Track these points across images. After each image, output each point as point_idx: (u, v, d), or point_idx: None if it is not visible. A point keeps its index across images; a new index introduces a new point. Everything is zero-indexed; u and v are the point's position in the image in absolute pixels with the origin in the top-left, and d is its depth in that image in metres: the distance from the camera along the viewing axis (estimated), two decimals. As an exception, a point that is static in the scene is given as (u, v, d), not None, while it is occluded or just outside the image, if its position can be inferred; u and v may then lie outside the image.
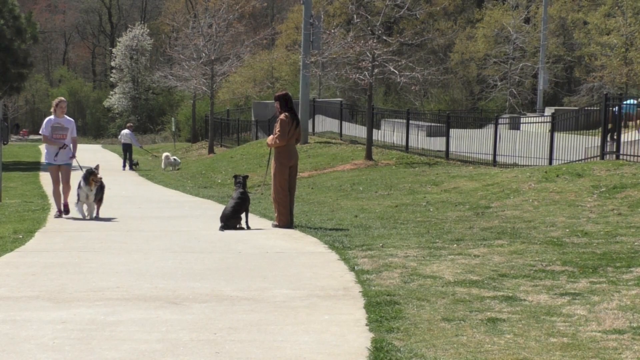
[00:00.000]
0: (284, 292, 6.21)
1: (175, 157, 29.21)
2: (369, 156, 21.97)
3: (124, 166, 28.41)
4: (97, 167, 11.87)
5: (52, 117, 12.28)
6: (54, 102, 12.40)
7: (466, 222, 10.68)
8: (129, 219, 11.84)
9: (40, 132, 12.04)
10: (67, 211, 12.18)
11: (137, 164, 29.03)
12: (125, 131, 28.98)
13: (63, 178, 12.32)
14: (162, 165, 28.49)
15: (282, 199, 10.55)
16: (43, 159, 11.68)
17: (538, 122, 21.22)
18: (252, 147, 28.25)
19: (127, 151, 28.46)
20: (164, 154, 29.34)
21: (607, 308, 5.46)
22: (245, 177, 11.14)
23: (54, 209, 13.38)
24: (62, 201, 12.17)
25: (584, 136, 17.92)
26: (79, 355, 4.47)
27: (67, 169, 12.36)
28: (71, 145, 12.45)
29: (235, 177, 11.20)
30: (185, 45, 36.59)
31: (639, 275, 6.60)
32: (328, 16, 44.11)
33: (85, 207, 11.78)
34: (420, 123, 25.70)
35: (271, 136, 10.78)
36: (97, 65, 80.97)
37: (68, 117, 12.38)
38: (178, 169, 27.93)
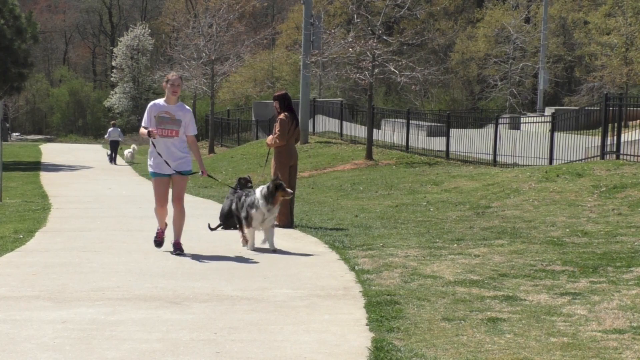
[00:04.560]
0: (284, 291, 6.21)
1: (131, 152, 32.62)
2: (369, 156, 21.97)
3: (112, 161, 31.56)
4: (279, 177, 8.63)
5: (159, 101, 8.26)
6: (167, 77, 8.26)
7: (466, 221, 10.68)
8: (129, 218, 11.84)
9: (143, 123, 8.25)
10: (178, 249, 8.19)
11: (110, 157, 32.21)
12: (111, 129, 32.17)
13: (173, 189, 8.25)
14: (130, 158, 31.85)
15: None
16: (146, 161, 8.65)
17: (538, 122, 21.23)
18: (253, 147, 28.26)
19: (115, 147, 31.57)
20: (132, 146, 33.20)
21: (607, 308, 5.46)
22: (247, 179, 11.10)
23: (56, 209, 13.37)
24: (174, 238, 8.25)
25: (584, 136, 17.93)
26: (79, 354, 4.47)
27: (182, 178, 8.21)
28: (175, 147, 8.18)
29: (246, 180, 11.02)
30: (185, 45, 36.59)
31: (639, 274, 6.60)
32: (328, 16, 44.12)
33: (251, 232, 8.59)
34: (421, 123, 25.72)
35: (271, 136, 10.78)
36: (97, 65, 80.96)
37: (184, 105, 8.38)
38: (130, 163, 31.42)
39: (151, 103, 8.25)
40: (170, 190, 8.29)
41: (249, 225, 8.40)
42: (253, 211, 8.35)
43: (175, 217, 8.19)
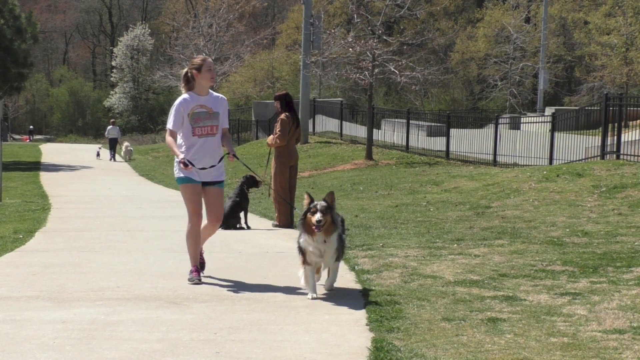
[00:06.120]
0: (284, 291, 6.21)
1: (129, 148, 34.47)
2: (369, 156, 21.98)
3: (111, 158, 33.00)
4: (332, 194, 6.06)
5: (188, 95, 6.60)
6: (195, 62, 6.63)
7: (466, 221, 10.68)
8: (129, 218, 11.84)
9: (168, 125, 6.62)
10: (202, 265, 6.94)
11: (99, 154, 34.31)
12: (110, 127, 34.14)
13: (210, 208, 6.73)
14: (125, 156, 33.39)
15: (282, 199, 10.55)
16: (174, 170, 6.81)
17: (538, 122, 21.23)
18: (253, 147, 28.26)
19: (114, 145, 33.43)
20: (125, 144, 34.84)
21: (607, 308, 5.46)
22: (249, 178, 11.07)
23: (56, 209, 13.38)
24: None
25: (584, 136, 17.93)
26: (79, 355, 4.47)
27: (218, 191, 6.73)
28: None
29: (254, 179, 11.03)
30: (185, 45, 36.67)
31: (639, 275, 6.60)
32: (328, 16, 44.14)
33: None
34: (421, 123, 25.73)
35: (271, 136, 10.78)
36: (97, 65, 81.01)
37: (216, 94, 6.76)
38: (131, 159, 33.08)
39: (180, 99, 6.56)
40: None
41: (304, 261, 6.08)
42: (301, 240, 6.04)
43: (207, 229, 6.85)
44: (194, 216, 6.60)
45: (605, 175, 13.28)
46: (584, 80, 41.48)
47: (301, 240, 6.02)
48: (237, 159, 6.68)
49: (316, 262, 6.03)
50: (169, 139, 6.55)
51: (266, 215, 12.06)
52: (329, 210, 5.88)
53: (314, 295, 5.94)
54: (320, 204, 5.88)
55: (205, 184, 6.64)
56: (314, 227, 5.83)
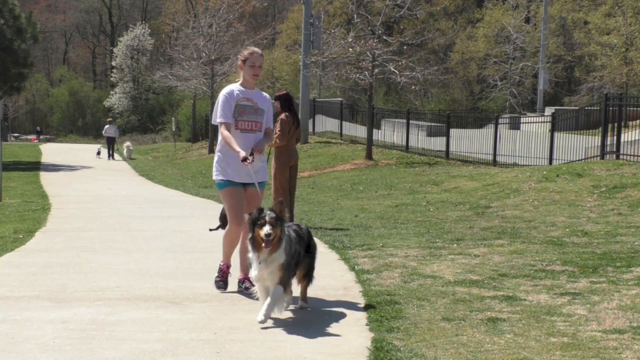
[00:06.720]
0: (284, 291, 6.20)
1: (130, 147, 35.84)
2: (369, 156, 21.98)
3: (109, 156, 33.81)
4: (281, 203, 5.28)
5: (233, 86, 6.29)
6: (243, 54, 6.28)
7: (466, 221, 10.68)
8: (129, 218, 11.84)
9: (214, 119, 6.22)
10: (246, 286, 6.15)
11: (99, 152, 35.39)
12: (108, 126, 34.78)
13: (249, 208, 5.94)
14: (126, 154, 34.80)
15: (282, 199, 10.55)
16: (213, 174, 6.31)
17: (538, 122, 21.24)
18: (253, 147, 28.25)
19: (111, 143, 34.22)
20: (126, 144, 36.30)
21: (607, 308, 5.46)
22: None
23: (56, 209, 13.38)
24: (244, 271, 6.25)
25: (584, 136, 17.94)
26: (79, 354, 4.47)
27: (259, 196, 6.20)
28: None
29: None
30: (185, 45, 36.66)
31: (639, 275, 6.60)
32: (328, 16, 44.14)
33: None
34: (421, 123, 25.74)
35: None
36: (97, 65, 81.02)
37: (261, 91, 6.44)
38: (131, 159, 34.22)
39: (226, 91, 6.20)
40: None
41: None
42: (249, 255, 5.31)
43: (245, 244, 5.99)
44: (234, 223, 6.16)
45: (605, 175, 13.29)
46: (584, 80, 41.46)
47: (249, 255, 5.25)
48: (252, 157, 6.02)
49: (261, 282, 5.22)
50: (225, 132, 6.07)
51: (266, 215, 12.05)
52: (279, 222, 5.11)
53: (264, 314, 5.06)
54: (269, 214, 5.08)
55: (245, 184, 6.24)
56: (262, 243, 5.04)
